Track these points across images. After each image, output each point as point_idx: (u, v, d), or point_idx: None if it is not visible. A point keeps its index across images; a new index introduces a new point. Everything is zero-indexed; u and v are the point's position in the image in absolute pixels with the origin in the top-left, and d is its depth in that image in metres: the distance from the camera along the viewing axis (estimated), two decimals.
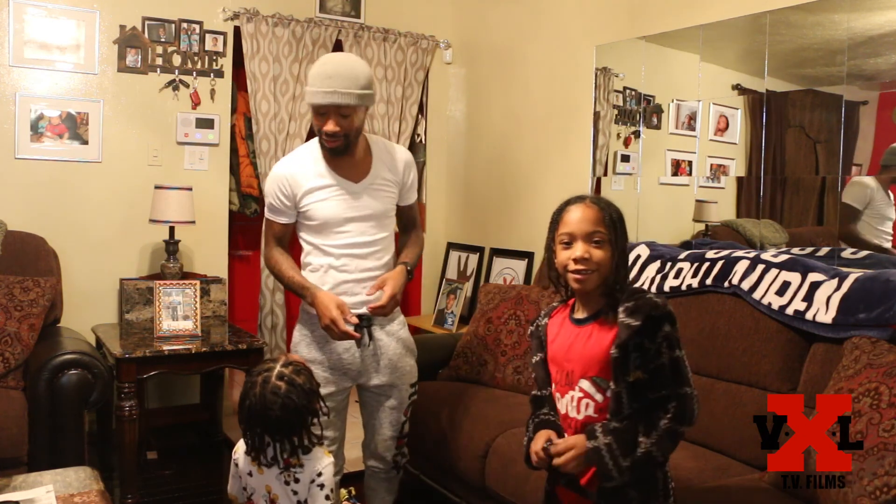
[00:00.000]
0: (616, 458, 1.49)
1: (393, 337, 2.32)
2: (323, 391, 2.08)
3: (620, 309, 1.54)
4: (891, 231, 2.50)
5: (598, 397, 1.57)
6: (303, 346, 2.30)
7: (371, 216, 2.26)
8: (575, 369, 1.60)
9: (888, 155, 2.46)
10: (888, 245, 2.49)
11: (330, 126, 2.12)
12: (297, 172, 2.23)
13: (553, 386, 1.69)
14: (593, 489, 1.57)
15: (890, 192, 2.49)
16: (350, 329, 2.14)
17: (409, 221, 2.47)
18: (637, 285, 2.82)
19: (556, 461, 1.56)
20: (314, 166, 2.24)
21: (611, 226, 1.59)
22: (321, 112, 2.13)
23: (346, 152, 2.19)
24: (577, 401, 1.60)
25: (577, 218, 1.60)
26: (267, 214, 2.32)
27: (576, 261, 1.57)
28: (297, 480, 1.75)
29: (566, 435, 1.63)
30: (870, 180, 2.52)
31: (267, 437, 1.73)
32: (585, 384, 1.59)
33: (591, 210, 1.60)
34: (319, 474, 1.75)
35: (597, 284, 1.59)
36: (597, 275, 1.58)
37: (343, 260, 2.24)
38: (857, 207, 2.53)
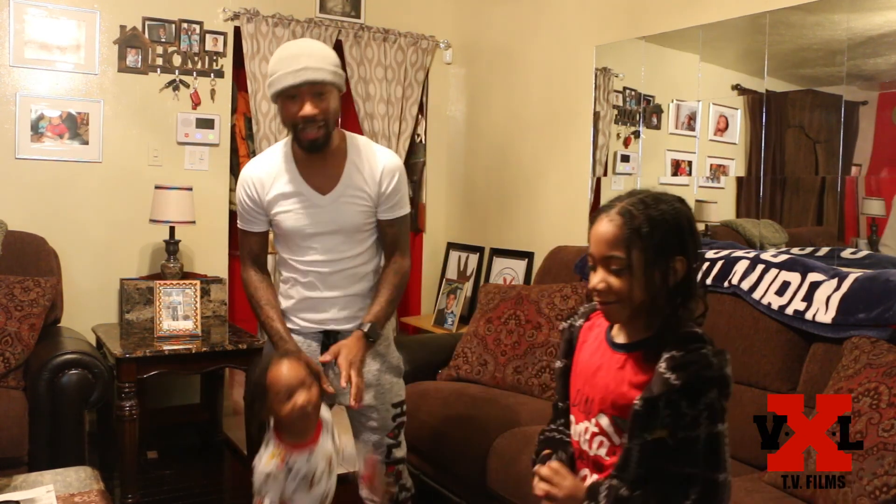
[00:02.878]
0: None
1: (368, 355, 2.04)
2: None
3: (665, 356, 1.22)
4: None
5: (616, 439, 1.30)
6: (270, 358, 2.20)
7: (338, 231, 2.02)
8: (595, 399, 1.34)
9: None
10: None
11: (308, 108, 1.88)
12: (265, 174, 2.04)
13: (569, 404, 1.45)
14: None
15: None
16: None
17: (389, 244, 2.12)
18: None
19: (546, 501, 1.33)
20: (284, 168, 2.03)
21: (636, 245, 1.24)
22: (292, 96, 1.89)
23: (326, 145, 1.96)
24: (590, 434, 1.34)
25: (596, 236, 1.29)
26: (239, 225, 2.12)
27: (593, 290, 1.30)
28: None
29: (574, 458, 1.41)
30: None
31: None
32: (604, 421, 1.32)
33: (611, 226, 1.27)
34: (254, 466, 1.79)
35: (628, 315, 1.29)
36: (620, 306, 1.28)
37: (309, 277, 2.06)
38: None
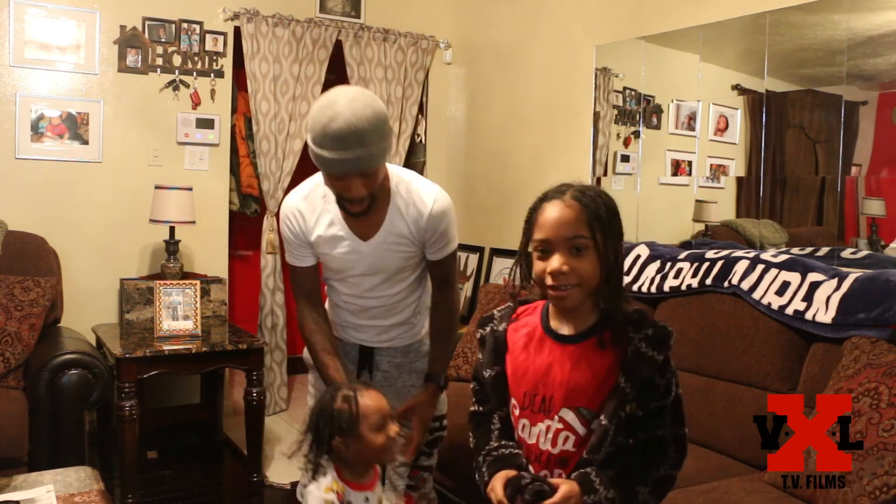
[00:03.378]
0: None
1: (404, 370, 2.08)
2: None
3: (637, 336, 1.28)
4: None
5: (581, 430, 1.32)
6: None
7: (379, 272, 1.97)
8: (555, 396, 1.32)
9: None
10: None
11: (356, 191, 1.76)
12: (308, 211, 1.95)
13: (514, 409, 1.40)
14: None
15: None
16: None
17: (439, 279, 2.05)
18: (636, 287, 2.82)
19: None
20: (325, 209, 1.93)
21: (597, 227, 1.28)
22: (337, 178, 1.76)
23: (369, 212, 1.86)
24: (554, 432, 1.33)
25: (553, 220, 1.29)
26: (289, 261, 2.02)
27: (552, 275, 1.28)
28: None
29: (531, 469, 1.37)
30: None
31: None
32: (568, 415, 1.32)
33: (570, 209, 1.29)
34: (303, 495, 1.69)
35: (581, 300, 1.30)
36: (579, 289, 1.29)
37: (349, 305, 2.05)
38: None
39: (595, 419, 1.30)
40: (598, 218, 1.29)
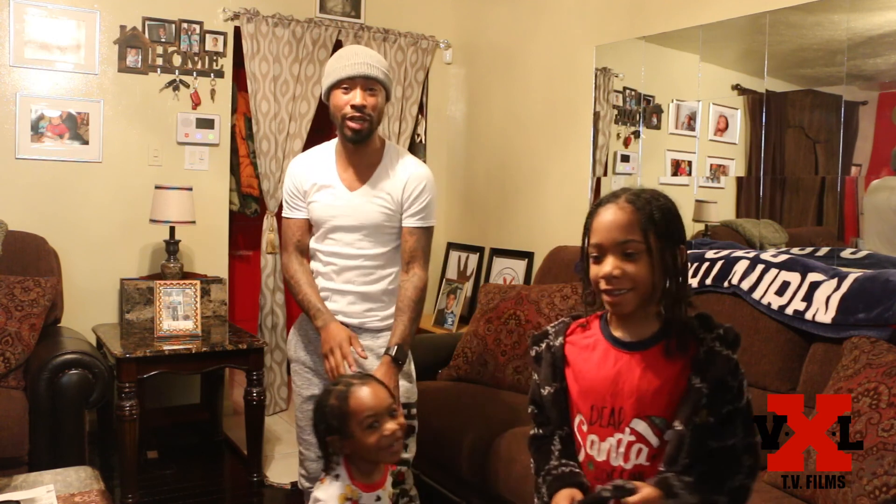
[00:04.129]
0: None
1: (373, 353, 2.15)
2: (306, 392, 2.20)
3: (709, 336, 1.28)
4: None
5: (654, 441, 1.28)
6: (292, 344, 2.27)
7: (360, 227, 2.12)
8: (625, 406, 1.29)
9: None
10: None
11: (359, 99, 2.03)
12: (308, 165, 2.20)
13: (581, 426, 1.37)
14: None
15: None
16: (345, 370, 2.00)
17: (408, 252, 2.16)
18: None
19: None
20: (324, 163, 2.19)
21: (650, 230, 1.27)
22: (346, 88, 2.05)
23: (368, 138, 2.09)
24: (626, 445, 1.29)
25: (606, 224, 1.29)
26: (284, 213, 2.25)
27: (605, 279, 1.29)
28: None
29: (591, 488, 1.32)
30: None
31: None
32: (640, 426, 1.29)
33: (623, 213, 1.29)
34: (317, 500, 1.64)
35: (636, 305, 1.29)
36: (634, 293, 1.28)
37: (328, 268, 2.17)
38: None
39: (668, 428, 1.27)
40: (652, 221, 1.28)
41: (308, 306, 2.15)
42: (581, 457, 1.37)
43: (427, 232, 2.18)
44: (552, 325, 1.46)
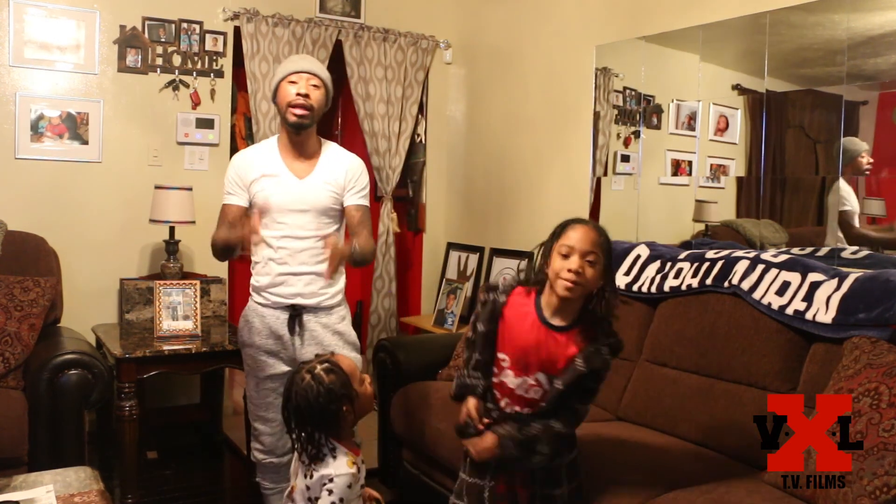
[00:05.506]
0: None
1: (328, 329, 2.43)
2: (262, 373, 2.44)
3: (605, 342, 1.83)
4: None
5: (546, 387, 1.86)
6: (245, 331, 2.48)
7: (309, 210, 2.37)
8: (534, 363, 1.85)
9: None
10: None
11: (303, 87, 2.31)
12: (253, 157, 2.43)
13: (503, 362, 1.89)
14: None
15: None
16: (256, 227, 2.20)
17: (358, 224, 2.45)
18: (636, 287, 2.82)
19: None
20: (268, 156, 2.42)
21: (605, 252, 1.81)
22: (293, 81, 2.33)
23: (308, 125, 2.35)
24: (528, 385, 1.87)
25: (579, 236, 1.80)
26: (225, 201, 2.44)
27: (570, 271, 1.77)
28: (311, 476, 1.78)
29: (504, 402, 1.90)
30: None
31: (295, 426, 1.81)
32: (541, 377, 1.86)
33: (592, 233, 1.82)
34: (331, 479, 1.75)
35: (578, 298, 1.82)
36: (582, 289, 1.80)
37: (280, 253, 2.37)
38: None
39: (552, 383, 1.85)
40: (607, 244, 1.83)
41: (222, 238, 2.38)
42: (496, 380, 1.92)
43: (367, 209, 2.49)
44: (503, 282, 1.96)
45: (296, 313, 2.40)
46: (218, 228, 2.45)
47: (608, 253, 1.82)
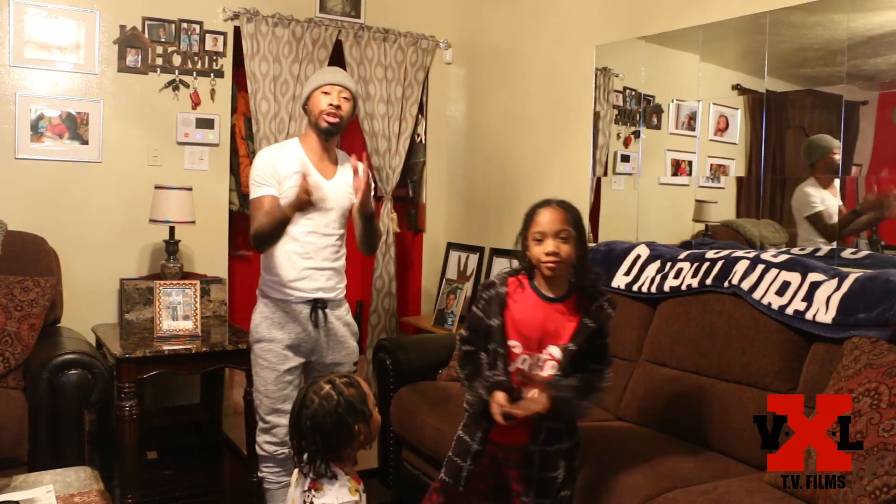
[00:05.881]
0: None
1: (340, 321, 2.60)
2: (283, 366, 2.50)
3: (603, 299, 1.96)
4: None
5: (560, 359, 1.94)
6: (263, 326, 2.53)
7: (334, 209, 2.52)
8: (546, 338, 1.94)
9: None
10: None
11: (335, 99, 2.47)
12: (282, 154, 2.53)
13: (515, 349, 1.96)
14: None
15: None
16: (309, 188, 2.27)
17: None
18: (636, 287, 2.82)
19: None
20: (295, 155, 2.52)
21: (575, 225, 1.93)
22: (326, 92, 2.48)
23: (337, 133, 2.52)
24: (544, 362, 1.95)
25: (547, 219, 1.93)
26: (255, 194, 2.48)
27: (547, 254, 1.90)
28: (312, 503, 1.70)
29: (517, 391, 1.94)
30: None
31: (303, 441, 1.73)
32: (555, 351, 1.94)
33: (558, 212, 1.93)
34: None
35: (564, 272, 1.95)
36: (564, 265, 1.93)
37: (307, 247, 2.49)
38: None
39: (566, 350, 1.93)
40: (575, 219, 1.94)
41: (273, 218, 2.38)
42: (512, 368, 1.96)
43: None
44: (496, 277, 2.05)
45: (317, 307, 2.52)
46: (255, 221, 2.49)
47: (577, 224, 1.94)
